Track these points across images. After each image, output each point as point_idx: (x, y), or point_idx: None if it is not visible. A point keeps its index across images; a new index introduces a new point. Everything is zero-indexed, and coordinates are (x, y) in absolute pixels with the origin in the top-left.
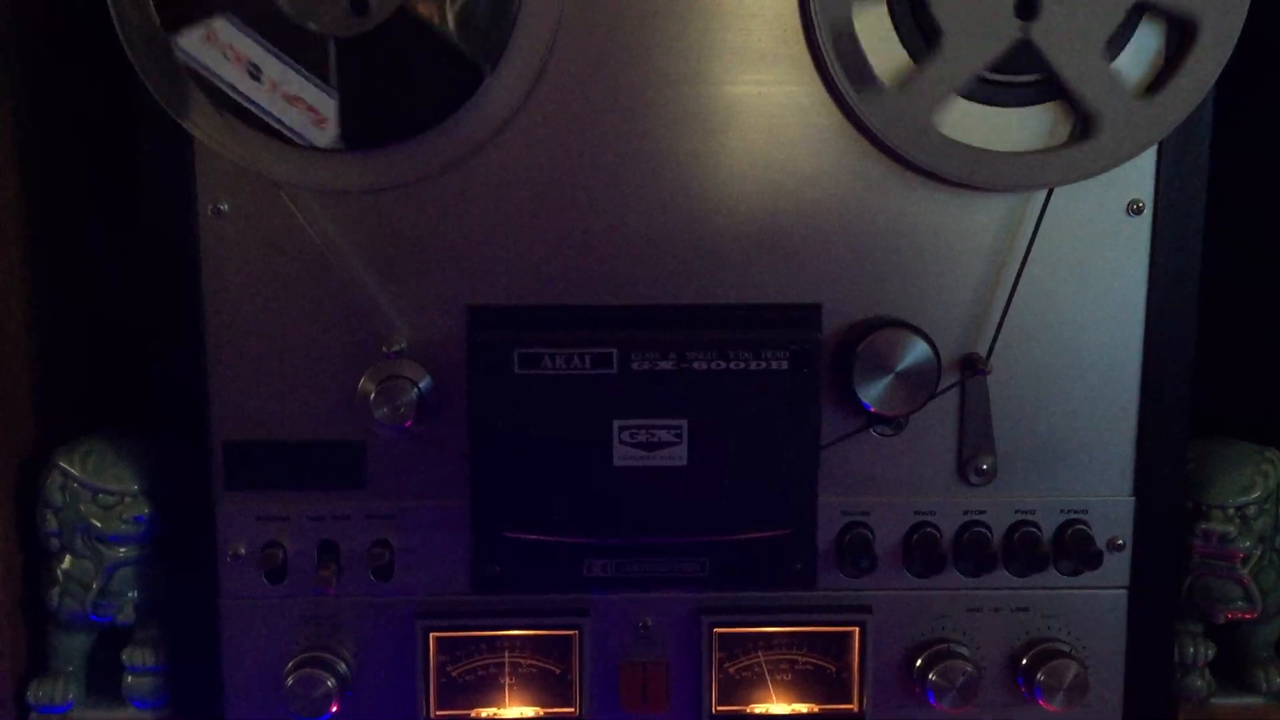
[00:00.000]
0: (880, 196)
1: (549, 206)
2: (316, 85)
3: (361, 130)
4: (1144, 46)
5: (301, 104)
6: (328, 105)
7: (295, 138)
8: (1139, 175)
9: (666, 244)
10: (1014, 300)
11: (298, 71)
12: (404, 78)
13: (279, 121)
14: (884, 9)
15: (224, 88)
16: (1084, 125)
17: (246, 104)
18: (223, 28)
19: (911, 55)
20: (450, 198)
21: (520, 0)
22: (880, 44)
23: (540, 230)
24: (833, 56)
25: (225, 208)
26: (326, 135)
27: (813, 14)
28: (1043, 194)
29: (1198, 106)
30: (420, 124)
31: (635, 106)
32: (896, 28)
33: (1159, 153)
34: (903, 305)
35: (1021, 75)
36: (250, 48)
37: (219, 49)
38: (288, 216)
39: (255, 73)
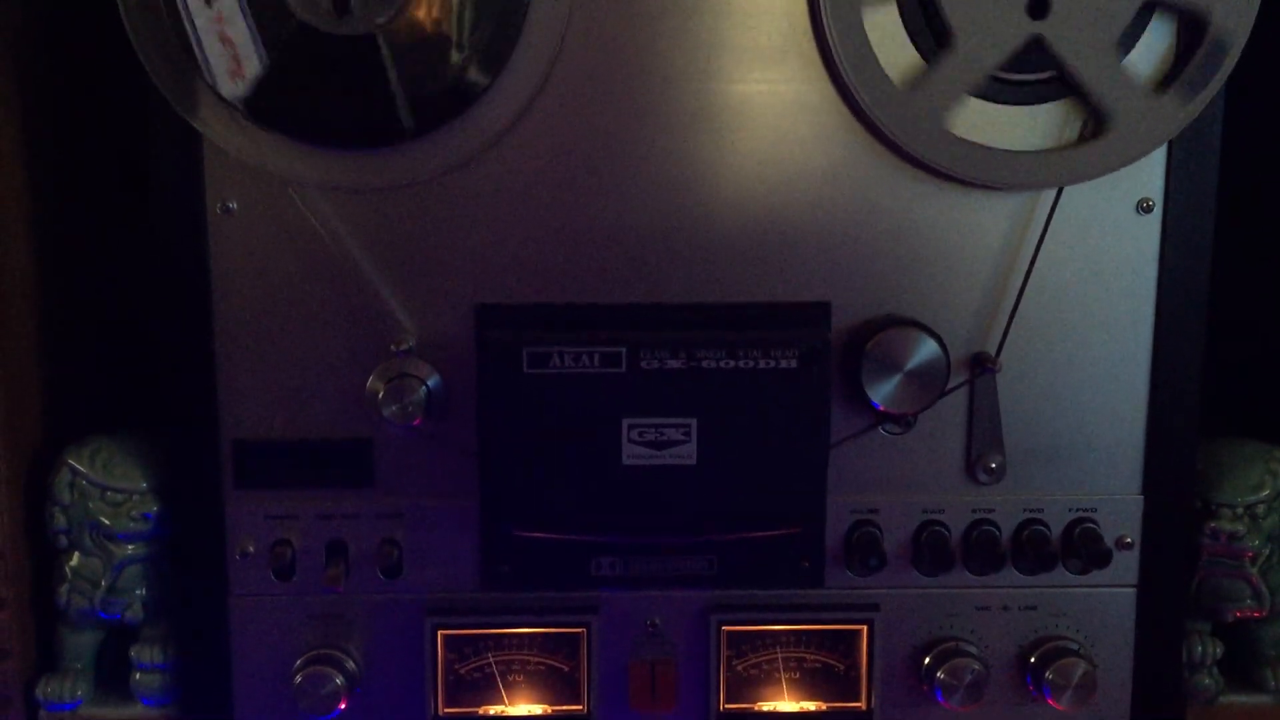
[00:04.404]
0: (889, 195)
1: (557, 204)
2: (254, 42)
3: (336, 130)
4: (1154, 44)
5: (231, 48)
6: (253, 64)
7: (205, 72)
8: (1149, 174)
9: (675, 242)
10: (1023, 298)
11: (246, 20)
12: (365, 89)
13: (200, 48)
14: (893, 7)
15: None
16: (1094, 123)
17: (185, 17)
18: None
19: (921, 53)
20: (459, 196)
21: (528, 2)
22: (890, 41)
23: (549, 228)
24: (842, 54)
25: (234, 206)
26: (233, 88)
27: (822, 11)
28: (1052, 192)
29: (1208, 104)
30: (370, 140)
31: (643, 104)
32: (906, 25)
33: (1169, 151)
34: (912, 304)
35: (1032, 73)
36: None
37: None
38: (296, 215)
39: None
